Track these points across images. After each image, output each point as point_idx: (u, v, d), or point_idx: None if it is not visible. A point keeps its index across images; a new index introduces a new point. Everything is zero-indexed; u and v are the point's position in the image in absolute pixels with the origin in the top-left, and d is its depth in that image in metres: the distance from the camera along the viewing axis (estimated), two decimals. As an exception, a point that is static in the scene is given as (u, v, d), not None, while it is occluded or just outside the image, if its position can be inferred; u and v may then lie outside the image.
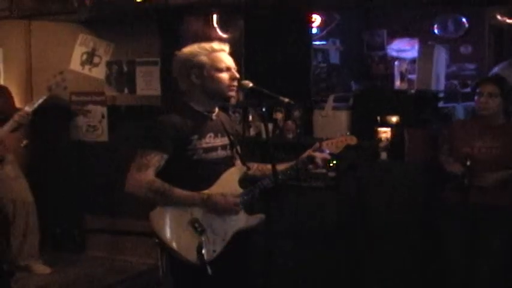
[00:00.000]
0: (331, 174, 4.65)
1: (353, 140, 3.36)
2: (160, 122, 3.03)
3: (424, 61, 5.58)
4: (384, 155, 4.54)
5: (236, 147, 3.24)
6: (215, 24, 5.60)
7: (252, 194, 3.12)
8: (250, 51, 5.51)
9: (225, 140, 3.18)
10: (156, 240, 2.98)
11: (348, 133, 3.48)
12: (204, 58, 3.06)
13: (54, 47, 6.09)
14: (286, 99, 3.04)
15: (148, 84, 5.74)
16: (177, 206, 2.99)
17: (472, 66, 7.50)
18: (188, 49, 3.13)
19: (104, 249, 5.98)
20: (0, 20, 5.78)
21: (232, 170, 3.17)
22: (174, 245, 2.95)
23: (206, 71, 3.06)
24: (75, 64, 5.95)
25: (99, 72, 5.92)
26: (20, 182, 5.44)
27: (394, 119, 4.60)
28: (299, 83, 5.74)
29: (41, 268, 5.47)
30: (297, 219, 4.57)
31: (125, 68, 5.83)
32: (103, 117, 5.92)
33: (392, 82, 6.65)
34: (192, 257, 2.94)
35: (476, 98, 4.05)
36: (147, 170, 2.95)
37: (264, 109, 3.08)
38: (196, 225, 2.98)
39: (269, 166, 3.08)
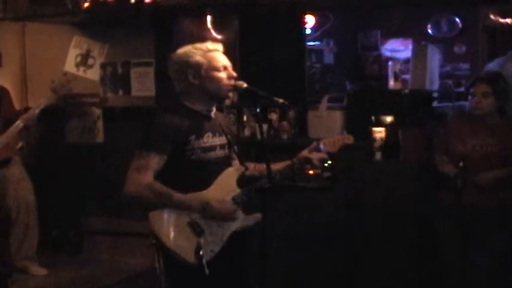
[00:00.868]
0: (326, 174, 4.64)
1: (350, 139, 3.37)
2: (158, 123, 3.03)
3: (418, 61, 5.59)
4: (378, 155, 4.54)
5: (234, 147, 3.25)
6: (209, 25, 5.61)
7: (250, 194, 3.12)
8: (244, 52, 5.51)
9: (223, 139, 3.18)
10: (153, 241, 2.99)
11: (344, 132, 3.49)
12: (200, 58, 3.07)
13: (48, 48, 6.08)
14: (281, 100, 3.06)
15: (142, 85, 5.74)
16: (176, 207, 3.01)
17: (465, 65, 7.53)
18: (183, 50, 3.13)
19: (101, 250, 5.97)
20: (-5, 22, 5.79)
21: (230, 169, 3.18)
22: (173, 245, 2.95)
23: (204, 70, 3.06)
24: (69, 66, 5.95)
25: (93, 74, 5.92)
26: (24, 183, 5.44)
27: (388, 119, 4.61)
28: (293, 84, 5.74)
29: (38, 269, 5.46)
30: (292, 219, 4.58)
31: (120, 70, 5.83)
32: (98, 118, 5.92)
33: (387, 82, 6.66)
34: (190, 257, 2.94)
35: (470, 97, 4.07)
36: (147, 172, 2.95)
37: (258, 110, 3.10)
38: (195, 226, 2.98)
39: (267, 166, 3.09)
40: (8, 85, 5.86)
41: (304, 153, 3.28)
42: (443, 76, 6.65)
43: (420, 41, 7.27)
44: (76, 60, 5.95)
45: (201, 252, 2.93)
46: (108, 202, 5.70)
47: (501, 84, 4.07)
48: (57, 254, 5.94)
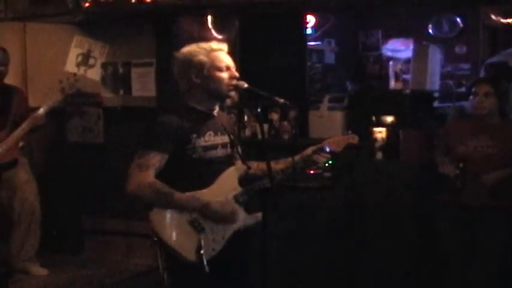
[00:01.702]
0: (327, 174, 4.65)
1: (355, 139, 3.37)
2: (160, 122, 3.04)
3: (418, 61, 5.58)
4: (379, 155, 4.55)
5: (236, 146, 3.25)
6: (210, 25, 5.61)
7: (251, 193, 3.13)
8: (245, 52, 5.51)
9: (225, 139, 3.18)
10: (155, 239, 2.99)
11: (349, 132, 3.48)
12: (203, 58, 3.08)
13: (49, 48, 6.08)
14: (282, 100, 3.05)
15: (143, 85, 5.74)
16: (177, 206, 3.01)
17: (466, 66, 7.53)
18: (187, 49, 3.14)
19: (102, 250, 5.97)
20: (-5, 22, 5.79)
21: (232, 169, 3.18)
22: (174, 244, 2.96)
23: (206, 70, 3.07)
24: (70, 66, 5.94)
25: (94, 74, 5.92)
26: (30, 185, 5.43)
27: (389, 119, 4.61)
28: (294, 84, 5.74)
29: (39, 270, 5.46)
30: (293, 219, 4.58)
31: (120, 69, 5.82)
32: (99, 118, 5.92)
33: (387, 82, 6.67)
34: (191, 256, 2.95)
35: (471, 98, 4.06)
36: (148, 171, 2.96)
37: (259, 110, 3.09)
38: (196, 224, 2.99)
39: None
40: (8, 85, 5.87)
41: (309, 152, 3.28)
42: (444, 76, 6.64)
43: (421, 41, 7.27)
44: (77, 60, 5.94)
45: (201, 251, 2.93)
46: (108, 202, 5.71)
47: (503, 85, 4.08)
48: (54, 254, 5.92)
